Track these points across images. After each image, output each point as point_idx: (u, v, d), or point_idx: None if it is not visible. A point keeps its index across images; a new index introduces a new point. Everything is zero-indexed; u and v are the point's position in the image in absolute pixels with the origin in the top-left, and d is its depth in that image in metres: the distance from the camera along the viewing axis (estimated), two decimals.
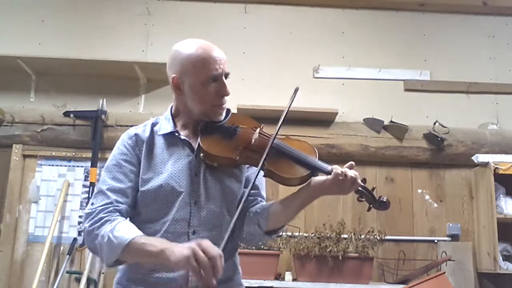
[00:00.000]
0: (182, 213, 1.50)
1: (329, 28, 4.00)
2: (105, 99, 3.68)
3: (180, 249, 1.31)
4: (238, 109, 3.57)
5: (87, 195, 3.57)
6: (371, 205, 1.55)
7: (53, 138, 3.68)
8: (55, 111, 3.74)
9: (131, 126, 3.99)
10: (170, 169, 1.53)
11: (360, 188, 1.51)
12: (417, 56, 3.96)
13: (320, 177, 1.51)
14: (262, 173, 1.53)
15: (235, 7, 3.99)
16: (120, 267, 1.58)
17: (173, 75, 1.57)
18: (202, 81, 1.53)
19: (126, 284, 1.54)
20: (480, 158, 3.52)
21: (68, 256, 3.46)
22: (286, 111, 1.65)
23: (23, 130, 3.67)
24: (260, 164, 1.46)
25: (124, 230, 1.41)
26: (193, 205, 1.52)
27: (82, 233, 1.53)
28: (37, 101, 3.81)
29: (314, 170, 1.52)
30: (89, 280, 3.37)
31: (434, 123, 3.70)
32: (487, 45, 4.01)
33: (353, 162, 1.51)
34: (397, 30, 4.02)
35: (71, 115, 3.68)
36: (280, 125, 1.57)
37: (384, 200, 1.53)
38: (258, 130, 1.61)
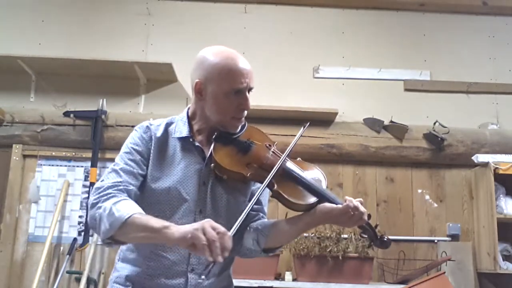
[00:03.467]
0: (186, 220, 1.49)
1: (329, 28, 4.00)
2: (105, 99, 3.68)
3: (187, 226, 1.29)
4: None
5: (87, 195, 3.57)
6: (372, 243, 1.56)
7: (53, 138, 3.68)
8: (55, 111, 3.74)
9: (131, 126, 3.97)
10: (180, 173, 1.53)
11: (364, 225, 1.52)
12: (417, 56, 3.96)
13: (328, 205, 1.48)
14: (269, 192, 1.53)
15: (235, 7, 3.99)
16: (119, 265, 1.57)
17: (197, 80, 1.56)
18: (225, 92, 1.52)
19: (124, 285, 1.53)
20: (480, 158, 3.52)
21: (68, 256, 3.46)
22: (295, 141, 1.63)
23: (23, 130, 3.67)
24: (266, 182, 1.46)
25: (128, 206, 1.40)
26: (198, 213, 1.51)
27: (86, 207, 1.50)
28: (37, 101, 3.80)
29: (322, 199, 1.50)
30: (89, 280, 3.37)
31: (434, 123, 3.70)
32: (487, 45, 4.01)
33: (362, 200, 1.50)
34: (397, 30, 4.02)
35: (71, 115, 3.68)
36: (290, 149, 1.57)
37: (385, 239, 1.55)
38: (272, 149, 1.60)
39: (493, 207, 3.41)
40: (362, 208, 1.47)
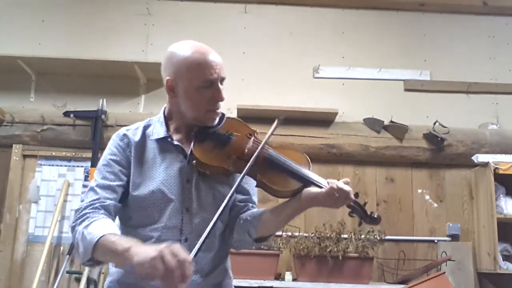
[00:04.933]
0: (174, 221, 1.48)
1: (329, 28, 4.00)
2: (105, 99, 3.68)
3: (146, 250, 1.21)
4: (238, 109, 3.57)
5: None
6: (362, 220, 1.55)
7: (53, 138, 3.68)
8: (55, 111, 3.74)
9: None
10: (162, 175, 1.51)
11: (352, 204, 1.49)
12: (417, 56, 3.96)
13: (313, 189, 1.47)
14: (254, 182, 1.51)
15: (235, 7, 3.99)
16: (112, 270, 1.56)
17: (168, 77, 1.54)
18: (196, 86, 1.50)
19: None
20: (480, 158, 3.52)
21: (68, 256, 3.45)
22: (272, 129, 1.57)
23: (23, 130, 3.67)
24: (243, 173, 1.44)
25: (98, 227, 1.36)
26: (185, 212, 1.50)
27: None
28: (37, 101, 3.80)
29: (307, 184, 1.49)
30: (89, 280, 3.36)
31: (434, 123, 3.70)
32: (487, 45, 4.01)
33: (348, 179, 1.48)
34: (397, 30, 4.02)
35: (71, 115, 3.68)
36: (269, 137, 1.53)
37: (375, 216, 1.53)
38: (252, 138, 1.57)
39: (493, 207, 3.41)
40: (346, 188, 1.44)
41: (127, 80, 3.79)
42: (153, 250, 1.19)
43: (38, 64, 3.69)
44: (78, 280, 3.40)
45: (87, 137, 3.63)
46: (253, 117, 3.23)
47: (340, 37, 3.99)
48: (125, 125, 3.71)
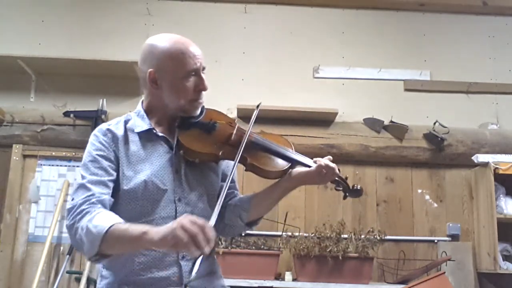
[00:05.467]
0: (168, 210, 1.50)
1: (329, 28, 4.00)
2: (105, 99, 3.68)
3: (165, 227, 1.25)
4: (238, 109, 3.57)
5: None
6: (346, 194, 1.68)
7: (53, 138, 3.68)
8: (55, 111, 3.73)
9: None
10: (152, 166, 1.52)
11: (337, 178, 1.62)
12: (417, 56, 3.96)
13: (301, 169, 1.58)
14: (242, 167, 1.56)
15: (235, 7, 3.99)
16: (104, 273, 1.54)
17: (150, 70, 1.55)
18: (181, 76, 1.53)
19: None
20: (480, 158, 3.52)
21: (68, 256, 3.45)
22: (254, 116, 1.69)
23: (23, 130, 3.67)
24: (237, 156, 1.50)
25: (103, 218, 1.36)
26: (177, 201, 1.52)
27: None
28: (37, 101, 3.80)
29: (293, 163, 1.60)
30: (89, 280, 3.36)
31: (434, 123, 3.70)
32: (487, 45, 4.01)
33: (330, 157, 1.61)
34: (397, 30, 4.02)
35: (71, 115, 3.68)
36: (253, 121, 1.63)
37: (358, 188, 1.66)
38: (236, 126, 1.63)
39: (493, 207, 3.41)
40: (332, 164, 1.57)
41: (127, 80, 3.78)
42: (171, 224, 1.24)
43: (38, 64, 3.69)
44: (78, 280, 3.40)
45: (87, 137, 3.56)
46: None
47: (340, 37, 3.99)
48: None
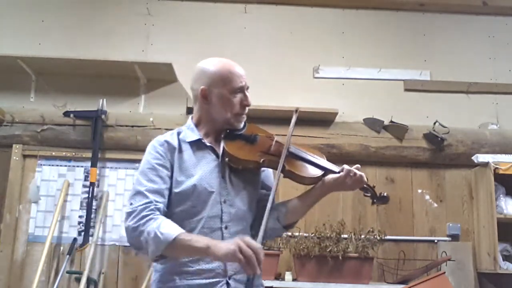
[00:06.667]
0: (215, 210, 1.68)
1: (329, 28, 4.00)
2: (105, 99, 3.68)
3: (226, 245, 1.47)
4: None
5: (87, 195, 3.56)
6: (374, 200, 1.86)
7: (53, 138, 3.68)
8: (55, 111, 3.73)
9: (131, 126, 3.96)
10: (201, 172, 1.70)
11: (365, 185, 1.80)
12: (417, 56, 3.96)
13: (332, 175, 1.75)
14: (281, 175, 1.72)
15: (235, 7, 3.99)
16: (159, 267, 1.70)
17: (202, 87, 1.75)
18: (229, 92, 1.75)
19: (169, 279, 1.65)
20: (480, 158, 3.52)
21: (68, 256, 3.45)
22: (292, 126, 1.89)
23: (23, 130, 3.67)
24: (280, 165, 1.69)
25: (169, 227, 1.55)
26: (223, 203, 1.70)
27: (125, 231, 1.64)
28: (37, 101, 3.81)
29: (326, 171, 1.76)
30: (89, 280, 3.36)
31: (434, 123, 3.70)
32: (487, 45, 4.01)
33: (359, 166, 1.77)
34: (397, 30, 4.02)
35: (71, 115, 3.68)
36: (291, 135, 1.82)
37: (385, 195, 1.85)
38: (275, 138, 1.84)
39: (493, 207, 3.41)
40: (359, 172, 1.76)
41: (127, 80, 3.79)
42: (230, 244, 1.46)
43: (38, 64, 3.69)
44: (78, 280, 3.40)
45: (87, 137, 3.63)
46: (253, 117, 3.21)
47: (340, 37, 3.99)
48: (125, 125, 3.77)
